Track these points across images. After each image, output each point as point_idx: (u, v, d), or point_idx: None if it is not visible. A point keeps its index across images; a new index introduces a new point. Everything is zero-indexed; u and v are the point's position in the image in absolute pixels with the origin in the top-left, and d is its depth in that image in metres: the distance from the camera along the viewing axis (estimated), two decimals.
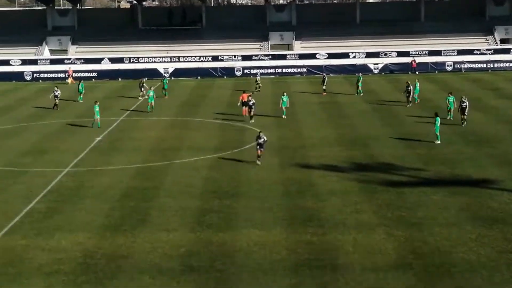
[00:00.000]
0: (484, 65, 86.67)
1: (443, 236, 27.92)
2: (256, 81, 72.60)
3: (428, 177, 37.00)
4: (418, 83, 61.92)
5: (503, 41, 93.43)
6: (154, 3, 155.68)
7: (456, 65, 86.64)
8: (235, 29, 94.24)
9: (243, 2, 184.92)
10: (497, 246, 26.71)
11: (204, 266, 25.49)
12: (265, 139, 39.72)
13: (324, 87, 68.13)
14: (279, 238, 28.20)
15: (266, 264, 25.56)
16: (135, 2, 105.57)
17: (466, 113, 49.48)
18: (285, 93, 55.95)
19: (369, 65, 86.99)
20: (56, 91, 61.97)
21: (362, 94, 66.80)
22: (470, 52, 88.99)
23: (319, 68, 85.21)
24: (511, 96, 64.69)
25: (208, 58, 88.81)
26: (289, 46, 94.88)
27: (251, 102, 53.38)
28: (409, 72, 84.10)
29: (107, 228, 29.79)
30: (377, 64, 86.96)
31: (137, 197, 34.25)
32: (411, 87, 58.81)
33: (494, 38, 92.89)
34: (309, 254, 26.47)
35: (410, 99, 58.97)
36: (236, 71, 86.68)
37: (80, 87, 67.22)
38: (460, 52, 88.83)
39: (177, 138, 48.54)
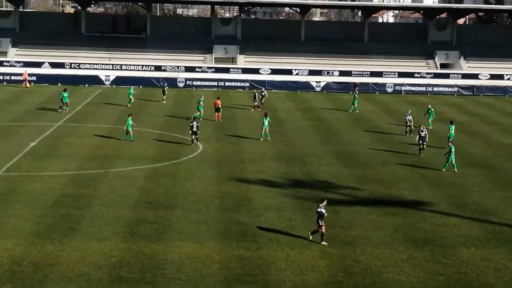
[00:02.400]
0: (423, 88, 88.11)
1: (375, 256, 28.10)
2: (164, 91, 71.85)
3: (364, 196, 37.29)
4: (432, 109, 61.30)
5: (443, 66, 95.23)
6: (99, 9, 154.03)
7: (396, 87, 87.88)
8: (180, 40, 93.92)
9: (189, 13, 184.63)
10: (427, 267, 26.99)
11: (134, 278, 25.10)
12: (323, 210, 29.30)
13: (257, 102, 67.53)
14: (212, 251, 27.99)
15: (197, 278, 25.30)
16: (79, 7, 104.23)
17: (425, 143, 47.94)
18: (266, 115, 53.06)
19: (311, 82, 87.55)
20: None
21: (357, 111, 68.09)
22: (410, 75, 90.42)
23: (262, 83, 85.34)
24: (447, 119, 65.68)
25: (151, 68, 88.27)
26: (233, 60, 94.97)
27: (196, 124, 48.68)
28: (350, 92, 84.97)
29: (36, 235, 29.13)
30: (319, 82, 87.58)
31: (70, 204, 33.60)
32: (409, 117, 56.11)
33: (435, 62, 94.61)
34: (241, 269, 26.32)
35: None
36: (179, 82, 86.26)
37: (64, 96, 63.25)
38: (401, 75, 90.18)
39: (115, 146, 47.91)
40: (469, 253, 28.80)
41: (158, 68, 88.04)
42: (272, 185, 38.59)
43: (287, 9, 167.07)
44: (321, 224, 28.93)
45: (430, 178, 41.71)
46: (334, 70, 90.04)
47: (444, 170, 43.34)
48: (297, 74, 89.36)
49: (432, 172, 43.25)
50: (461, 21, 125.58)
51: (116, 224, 30.84)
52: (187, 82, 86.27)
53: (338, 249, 28.70)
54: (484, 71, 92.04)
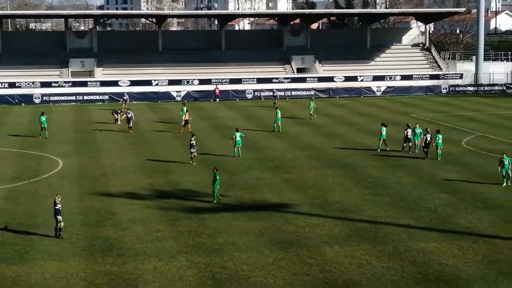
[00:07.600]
0: (282, 93, 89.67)
1: (242, 261, 28.35)
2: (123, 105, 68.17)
3: (229, 202, 37.56)
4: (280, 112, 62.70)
5: (299, 70, 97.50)
6: None
7: (256, 93, 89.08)
8: (34, 55, 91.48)
9: (43, 27, 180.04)
10: (293, 269, 27.49)
11: None
12: None
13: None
14: (77, 269, 27.37)
15: None
16: None
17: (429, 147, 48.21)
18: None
19: (171, 92, 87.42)
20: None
21: (315, 118, 69.17)
22: (269, 80, 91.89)
23: (122, 95, 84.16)
24: (307, 123, 67.39)
25: (4, 85, 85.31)
26: (90, 73, 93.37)
27: (193, 142, 47.68)
28: (211, 100, 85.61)
29: None
30: (180, 91, 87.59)
31: None
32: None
33: (292, 67, 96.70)
34: (107, 285, 25.88)
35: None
36: (35, 98, 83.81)
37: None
38: (260, 80, 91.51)
39: None
40: (333, 251, 29.58)
41: (12, 85, 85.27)
42: (137, 198, 38.21)
43: (143, 20, 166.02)
44: None
45: (293, 181, 42.57)
46: (194, 79, 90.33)
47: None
48: (156, 84, 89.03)
49: (294, 175, 44.14)
50: (314, 25, 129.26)
51: None
52: (44, 98, 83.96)
53: (205, 257, 28.76)
54: (338, 74, 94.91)
